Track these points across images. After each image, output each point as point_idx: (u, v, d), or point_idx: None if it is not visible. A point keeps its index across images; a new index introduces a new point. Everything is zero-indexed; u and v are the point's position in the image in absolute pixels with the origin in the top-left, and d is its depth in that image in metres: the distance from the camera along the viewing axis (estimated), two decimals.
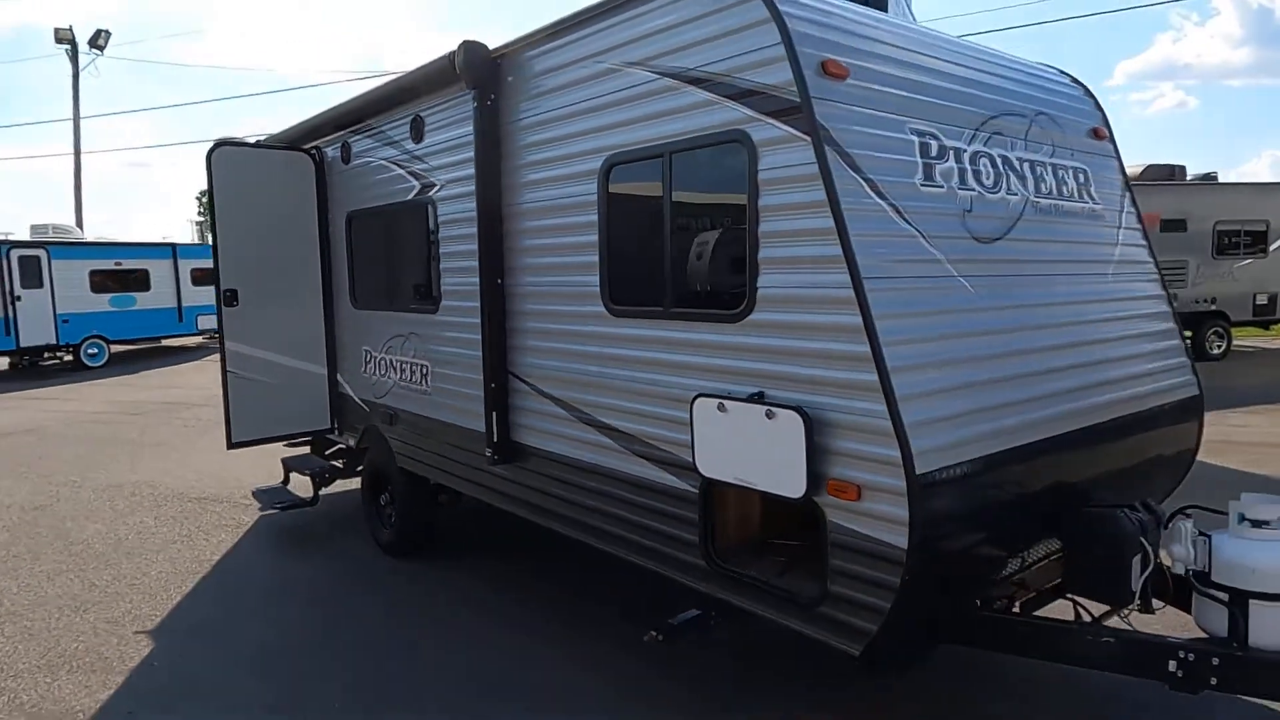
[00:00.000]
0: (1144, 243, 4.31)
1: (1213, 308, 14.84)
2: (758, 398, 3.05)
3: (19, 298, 16.85)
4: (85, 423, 11.84)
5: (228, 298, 5.97)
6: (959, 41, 3.85)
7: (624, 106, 3.58)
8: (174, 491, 7.92)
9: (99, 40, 22.68)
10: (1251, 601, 2.91)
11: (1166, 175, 14.90)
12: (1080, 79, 4.54)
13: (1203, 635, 3.05)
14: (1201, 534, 3.05)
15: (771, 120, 2.96)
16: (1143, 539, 3.15)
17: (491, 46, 4.30)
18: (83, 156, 22.12)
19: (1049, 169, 3.82)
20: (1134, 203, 4.38)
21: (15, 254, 16.89)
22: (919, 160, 3.16)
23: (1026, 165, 3.69)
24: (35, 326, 17.10)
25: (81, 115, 22.61)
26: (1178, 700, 3.10)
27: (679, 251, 3.42)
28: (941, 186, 3.21)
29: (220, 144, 5.85)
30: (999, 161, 3.54)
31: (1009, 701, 3.80)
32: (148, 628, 4.93)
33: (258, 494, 6.72)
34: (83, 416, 12.39)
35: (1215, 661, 2.88)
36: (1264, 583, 2.89)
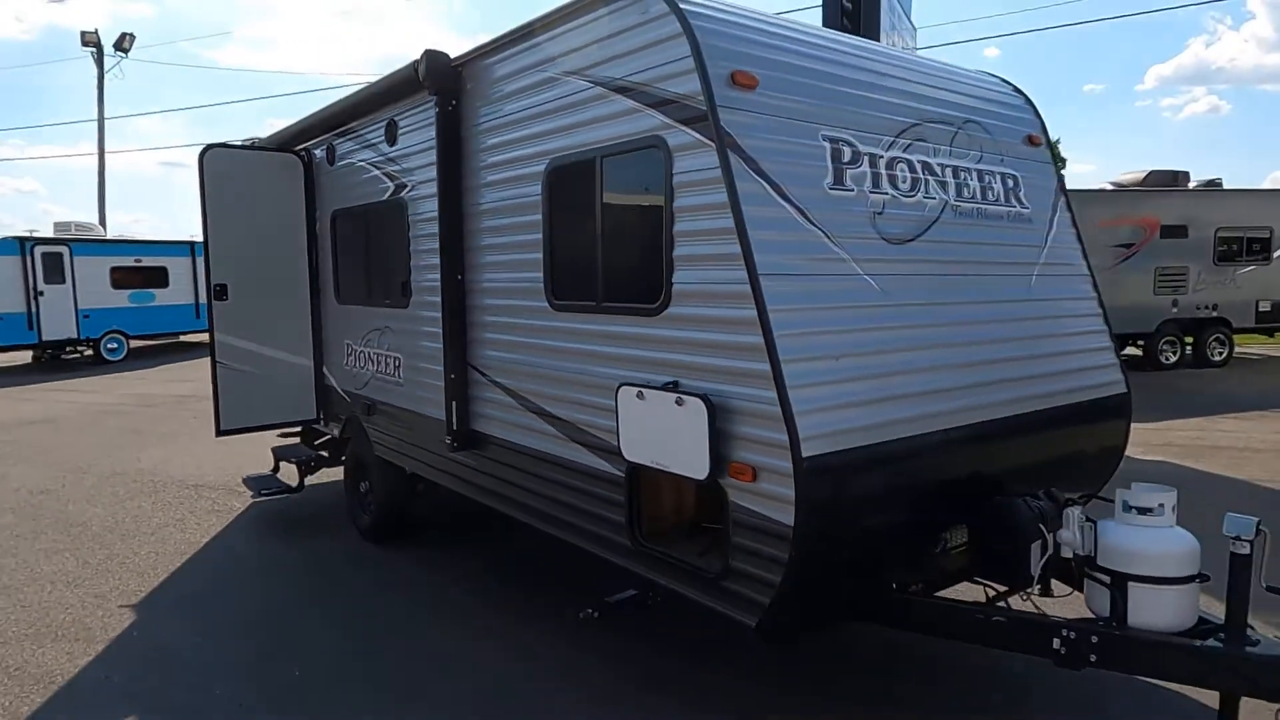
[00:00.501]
0: (1077, 245, 4.46)
1: (1214, 314, 14.79)
2: (671, 386, 3.26)
3: (42, 293, 17.39)
4: (100, 414, 12.26)
5: (218, 292, 6.26)
6: (889, 51, 4.04)
7: (563, 113, 3.82)
8: (174, 479, 8.25)
9: (124, 43, 23.40)
10: (1130, 584, 3.08)
11: (1169, 181, 14.89)
12: (1020, 88, 4.71)
13: (1091, 616, 3.22)
14: (1089, 520, 3.22)
15: (684, 127, 3.17)
16: (1042, 526, 3.32)
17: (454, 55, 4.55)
18: (117, 155, 22.60)
19: (974, 174, 4.00)
20: (1069, 207, 4.53)
21: (39, 250, 17.44)
22: (829, 165, 3.36)
23: (949, 170, 3.87)
24: (57, 321, 17.64)
25: (109, 116, 23.27)
26: None
27: (609, 250, 3.64)
28: (852, 190, 3.40)
29: (210, 147, 6.15)
30: (919, 167, 3.72)
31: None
32: (132, 602, 5.22)
33: (248, 481, 7.02)
34: (98, 408, 12.81)
35: (1094, 639, 3.06)
36: (1141, 566, 3.06)
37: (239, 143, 6.66)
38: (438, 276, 4.73)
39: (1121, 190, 14.79)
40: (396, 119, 5.25)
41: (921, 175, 3.72)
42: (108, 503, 7.47)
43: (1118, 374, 4.37)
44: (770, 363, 2.88)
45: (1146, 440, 9.50)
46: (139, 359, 19.08)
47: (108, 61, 23.33)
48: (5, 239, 17.23)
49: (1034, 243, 4.21)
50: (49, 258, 17.56)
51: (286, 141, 6.63)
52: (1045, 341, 4.02)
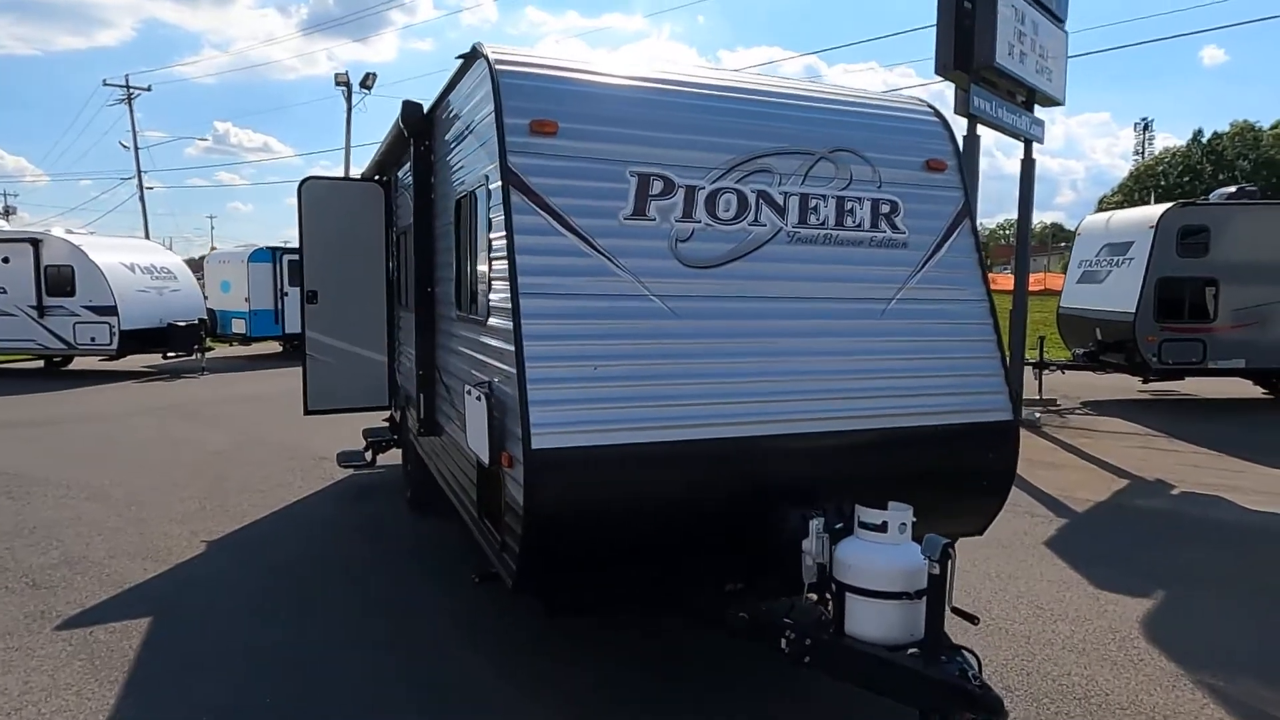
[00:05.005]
0: (973, 270, 4.44)
1: None
2: (484, 386, 3.87)
3: (285, 293, 20.88)
4: (299, 396, 14.68)
5: (310, 297, 7.64)
6: (750, 90, 4.31)
7: (461, 154, 4.55)
8: (310, 451, 9.92)
9: (367, 82, 27.50)
10: (847, 594, 3.24)
11: None
12: (940, 112, 4.73)
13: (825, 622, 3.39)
14: (825, 532, 3.39)
15: (494, 169, 3.78)
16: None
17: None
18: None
19: (831, 201, 4.18)
20: (973, 231, 4.51)
21: (286, 258, 20.95)
22: (632, 198, 3.78)
23: (794, 199, 4.10)
24: (295, 317, 20.98)
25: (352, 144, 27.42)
26: None
27: (474, 269, 4.31)
28: (654, 220, 3.81)
29: (308, 179, 7.55)
30: (751, 196, 4.01)
31: None
32: (213, 539, 6.65)
33: (339, 455, 8.41)
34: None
35: (808, 642, 3.27)
36: (856, 578, 3.22)
37: (331, 176, 8.03)
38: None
39: None
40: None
41: (752, 204, 4.01)
42: (254, 465, 9.24)
43: (1003, 401, 4.30)
44: (517, 366, 3.42)
45: None
46: None
47: (355, 97, 27.52)
48: (261, 249, 20.91)
49: (904, 264, 4.28)
50: (293, 264, 21.00)
51: (372, 172, 7.92)
52: (896, 362, 4.11)
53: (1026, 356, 12.51)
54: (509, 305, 3.56)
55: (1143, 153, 76.04)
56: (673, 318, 3.74)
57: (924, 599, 3.17)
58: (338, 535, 6.75)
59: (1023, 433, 11.05)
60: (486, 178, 3.91)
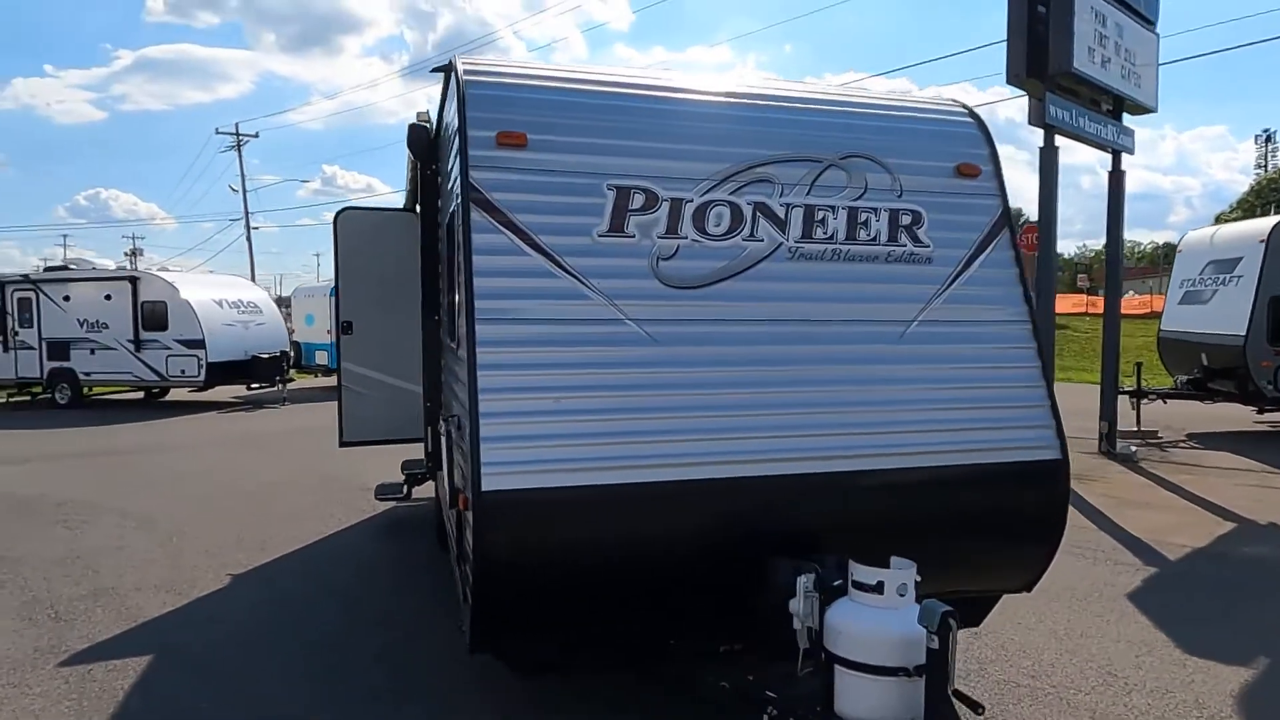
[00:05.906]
0: (1012, 286, 3.90)
1: None
2: (453, 420, 3.58)
3: None
4: None
5: (345, 328, 7.59)
6: (743, 93, 3.93)
7: (450, 174, 4.31)
8: (355, 482, 9.88)
9: None
10: (836, 666, 2.76)
11: None
12: (974, 111, 4.23)
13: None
14: (815, 591, 2.92)
15: (461, 183, 3.51)
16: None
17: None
18: None
19: (841, 213, 3.74)
20: (1013, 244, 3.98)
21: None
22: (608, 213, 3.45)
23: (797, 211, 3.68)
24: None
25: None
26: None
27: (452, 294, 4.04)
28: (633, 236, 3.45)
29: (345, 209, 7.54)
30: (746, 209, 3.62)
31: None
32: (236, 573, 6.56)
33: (378, 488, 8.30)
34: None
35: None
36: (847, 648, 2.74)
37: (368, 206, 8.01)
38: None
39: None
40: None
41: (748, 217, 3.61)
42: (300, 495, 9.25)
43: (1048, 436, 3.73)
44: (470, 398, 3.10)
45: None
46: None
47: None
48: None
49: (928, 282, 3.79)
50: None
51: (410, 201, 7.85)
52: (916, 392, 3.61)
53: (1122, 384, 11.49)
54: (464, 332, 3.26)
55: (1265, 165, 71.03)
56: (651, 344, 3.36)
57: (908, 676, 2.66)
58: (361, 572, 6.57)
59: (1116, 468, 10.19)
60: (457, 195, 3.65)
